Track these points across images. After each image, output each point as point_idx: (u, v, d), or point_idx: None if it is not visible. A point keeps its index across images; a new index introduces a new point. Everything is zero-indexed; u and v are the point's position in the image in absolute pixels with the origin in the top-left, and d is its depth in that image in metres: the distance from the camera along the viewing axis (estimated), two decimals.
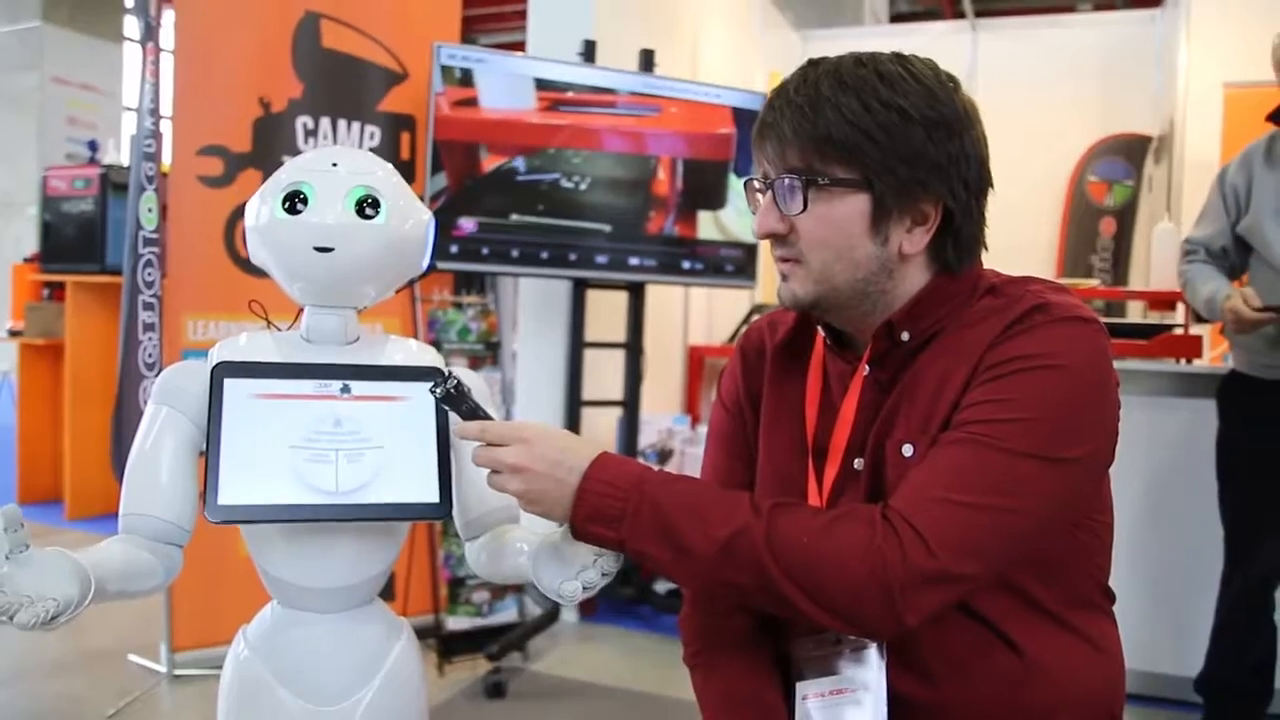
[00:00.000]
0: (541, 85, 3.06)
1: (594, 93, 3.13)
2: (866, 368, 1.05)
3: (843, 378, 1.08)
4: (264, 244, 1.09)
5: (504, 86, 3.03)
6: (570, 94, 3.09)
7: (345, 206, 1.07)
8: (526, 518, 1.13)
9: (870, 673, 0.99)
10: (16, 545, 0.83)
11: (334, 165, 1.09)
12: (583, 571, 1.01)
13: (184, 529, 1.07)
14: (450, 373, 1.01)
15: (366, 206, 1.07)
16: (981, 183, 1.02)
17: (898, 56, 1.01)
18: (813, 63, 1.02)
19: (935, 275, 1.03)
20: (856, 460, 1.04)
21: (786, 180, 0.99)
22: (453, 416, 1.03)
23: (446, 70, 2.93)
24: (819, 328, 1.12)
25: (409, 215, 1.11)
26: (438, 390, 0.99)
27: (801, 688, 1.05)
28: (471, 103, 2.98)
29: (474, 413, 1.01)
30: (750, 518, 0.92)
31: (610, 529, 0.95)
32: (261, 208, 1.08)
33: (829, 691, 1.02)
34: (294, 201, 1.06)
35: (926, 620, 0.90)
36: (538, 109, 3.05)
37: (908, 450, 0.99)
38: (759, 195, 1.04)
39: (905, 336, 1.02)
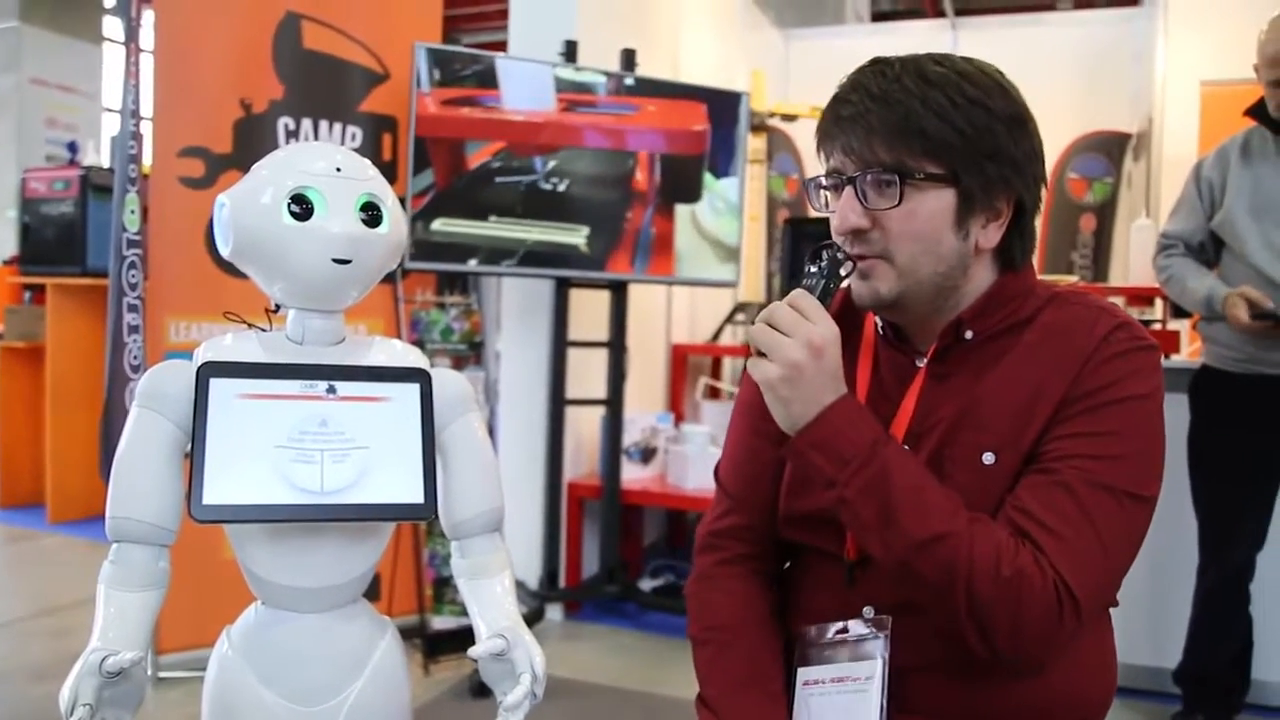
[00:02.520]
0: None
1: (575, 91, 3.15)
2: (924, 360, 1.07)
3: (898, 368, 1.10)
4: (260, 247, 1.06)
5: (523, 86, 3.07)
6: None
7: (355, 215, 1.06)
8: (512, 517, 1.14)
9: (873, 663, 1.01)
10: (108, 684, 0.96)
11: (338, 170, 1.07)
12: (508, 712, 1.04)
13: (170, 530, 1.07)
14: (841, 250, 1.03)
15: (370, 212, 1.07)
16: (1043, 178, 1.07)
17: (964, 58, 1.04)
18: (884, 61, 1.03)
19: (999, 272, 1.07)
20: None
21: (870, 176, 1.00)
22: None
23: (443, 66, 2.94)
24: (873, 315, 1.13)
25: (399, 219, 1.12)
26: (828, 254, 1.02)
27: (803, 674, 1.06)
28: (463, 101, 2.98)
29: (827, 289, 1.02)
30: (964, 528, 0.95)
31: (831, 465, 0.97)
32: (255, 208, 1.05)
33: (830, 679, 1.03)
34: (296, 205, 1.04)
35: None
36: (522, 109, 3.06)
37: (989, 458, 1.01)
38: (825, 192, 1.06)
39: (969, 335, 1.05)
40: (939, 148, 0.98)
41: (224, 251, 1.09)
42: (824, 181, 1.06)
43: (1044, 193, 1.08)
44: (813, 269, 1.03)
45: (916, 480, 0.97)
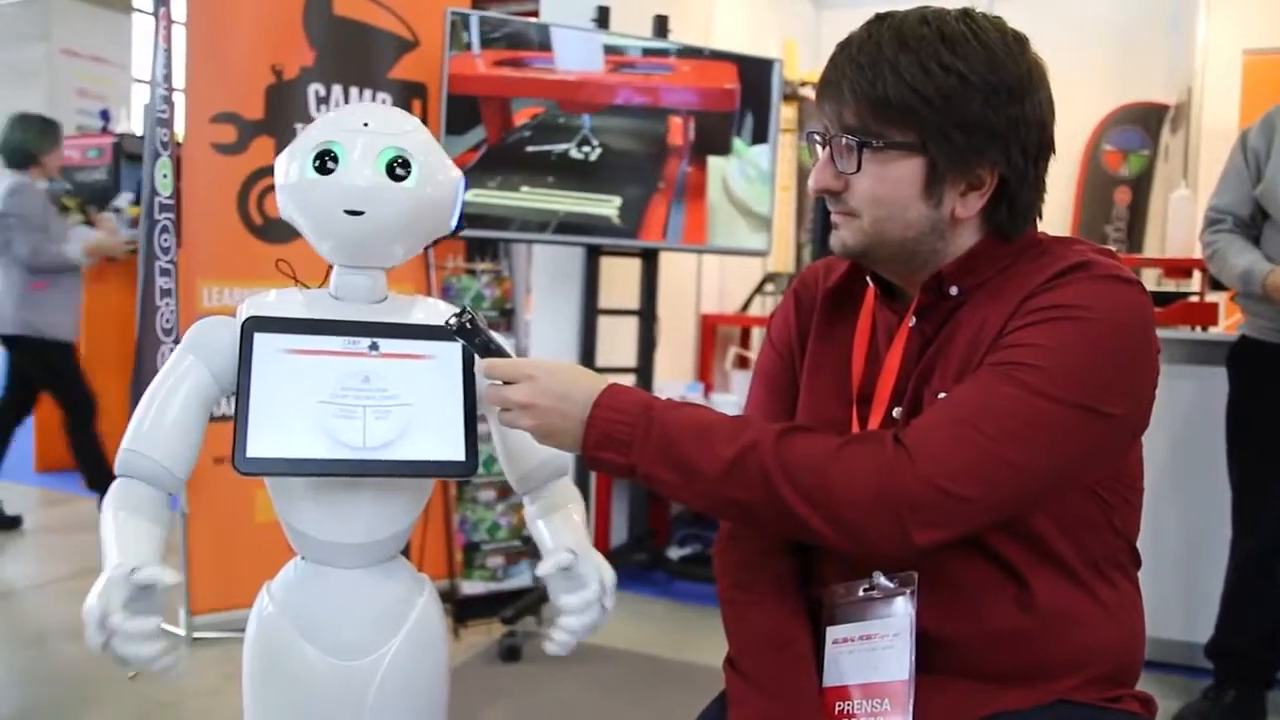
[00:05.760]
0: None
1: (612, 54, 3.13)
2: (913, 319, 1.05)
3: (889, 328, 1.09)
4: (293, 202, 1.09)
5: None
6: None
7: (376, 168, 1.07)
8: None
9: (901, 619, 1.00)
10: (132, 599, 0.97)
11: (365, 125, 1.08)
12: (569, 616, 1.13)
13: (178, 479, 1.08)
14: (466, 307, 1.04)
15: (397, 167, 1.07)
16: (1041, 148, 1.01)
17: (964, 14, 0.99)
18: (879, 17, 1.00)
19: (987, 235, 1.03)
20: (896, 409, 1.04)
21: (842, 139, 0.99)
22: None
23: (484, 33, 2.93)
24: (869, 277, 1.12)
25: (438, 175, 1.12)
26: (453, 322, 1.01)
27: (832, 632, 1.06)
28: (500, 63, 2.97)
29: (486, 347, 1.03)
30: (759, 435, 0.93)
31: (620, 454, 0.97)
32: (291, 165, 1.08)
33: (859, 637, 1.03)
34: (324, 160, 1.06)
35: (936, 546, 0.91)
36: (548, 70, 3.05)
37: (942, 398, 0.99)
38: (819, 149, 1.04)
39: (954, 291, 1.03)
40: (905, 115, 0.96)
41: (280, 212, 1.13)
42: (816, 139, 1.05)
43: (1043, 163, 1.02)
44: (471, 340, 1.04)
45: (696, 421, 0.96)
